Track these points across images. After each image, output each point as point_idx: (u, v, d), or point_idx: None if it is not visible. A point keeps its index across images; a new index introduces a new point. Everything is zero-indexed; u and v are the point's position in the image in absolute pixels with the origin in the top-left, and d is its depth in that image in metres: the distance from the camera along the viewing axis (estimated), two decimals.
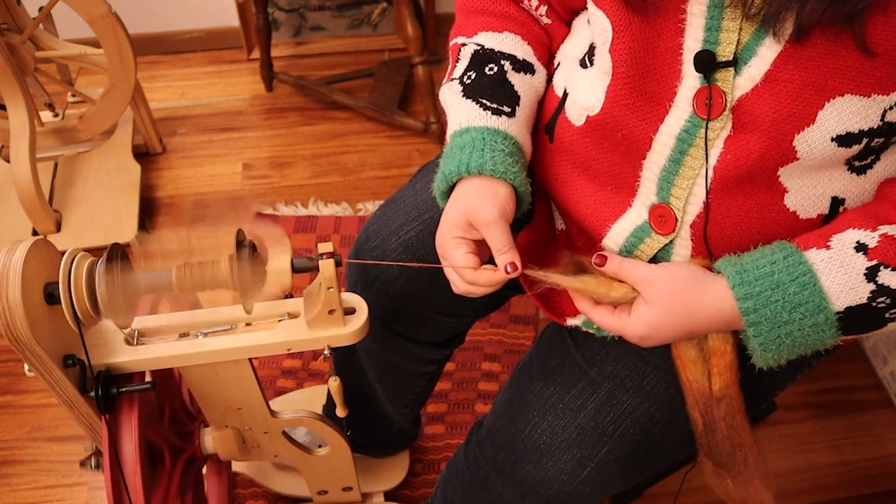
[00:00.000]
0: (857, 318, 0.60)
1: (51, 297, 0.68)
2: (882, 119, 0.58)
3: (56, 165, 1.80)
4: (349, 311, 0.80)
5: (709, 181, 0.64)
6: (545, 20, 0.78)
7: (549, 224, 0.84)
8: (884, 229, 0.60)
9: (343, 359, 1.04)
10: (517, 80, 0.74)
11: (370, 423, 1.14)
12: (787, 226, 0.65)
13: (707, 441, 0.71)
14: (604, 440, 0.76)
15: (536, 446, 0.77)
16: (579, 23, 0.77)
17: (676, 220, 0.67)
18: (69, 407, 0.74)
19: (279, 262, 0.71)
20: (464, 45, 0.77)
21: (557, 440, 0.76)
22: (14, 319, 0.64)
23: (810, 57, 0.56)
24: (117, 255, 0.70)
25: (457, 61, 0.77)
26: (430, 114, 1.88)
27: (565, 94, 0.74)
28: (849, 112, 0.57)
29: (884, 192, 0.63)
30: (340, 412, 0.90)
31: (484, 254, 0.69)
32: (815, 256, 0.60)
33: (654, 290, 0.65)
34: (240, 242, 0.71)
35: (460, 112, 0.73)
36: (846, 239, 0.61)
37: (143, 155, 1.89)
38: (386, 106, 1.95)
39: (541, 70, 0.77)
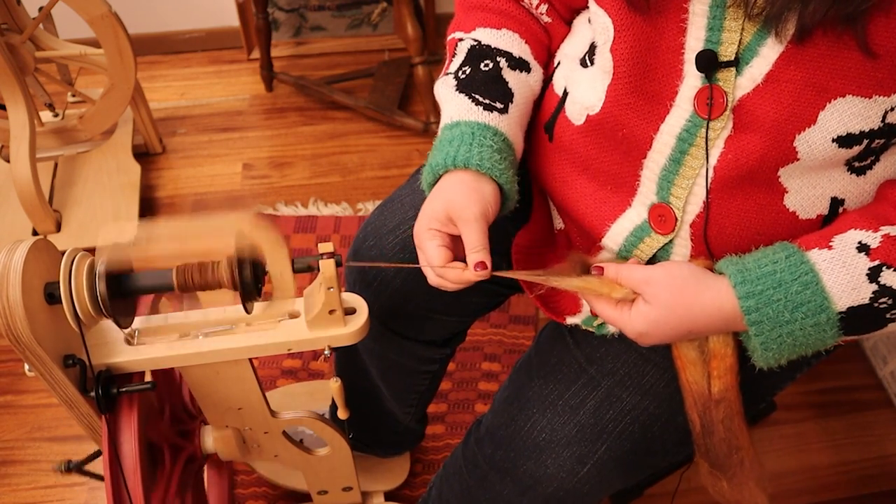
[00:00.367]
0: (859, 319, 0.60)
1: (51, 297, 0.68)
2: (883, 120, 0.58)
3: (56, 165, 1.80)
4: (349, 311, 0.80)
5: (709, 181, 0.64)
6: (545, 19, 0.78)
7: (548, 223, 0.84)
8: (886, 230, 0.60)
9: (346, 358, 1.04)
10: (512, 77, 0.74)
11: (376, 422, 1.14)
12: (787, 226, 0.65)
13: (704, 442, 0.71)
14: (603, 438, 0.76)
15: (536, 443, 0.77)
16: (580, 22, 0.77)
17: (676, 219, 0.67)
18: (69, 407, 0.74)
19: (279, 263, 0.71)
20: (461, 39, 0.77)
21: (557, 437, 0.76)
22: (14, 319, 0.64)
23: (812, 57, 0.56)
24: (117, 255, 0.70)
25: (453, 56, 0.77)
26: (430, 114, 1.88)
27: (565, 94, 0.74)
28: (850, 113, 0.57)
29: (884, 193, 0.64)
30: (342, 414, 0.90)
31: (459, 249, 0.69)
32: (817, 256, 0.60)
33: (652, 289, 0.65)
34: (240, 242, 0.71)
35: (452, 106, 0.73)
36: (848, 239, 0.61)
37: (143, 155, 1.89)
38: (386, 106, 1.95)
39: (537, 68, 0.77)
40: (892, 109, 0.57)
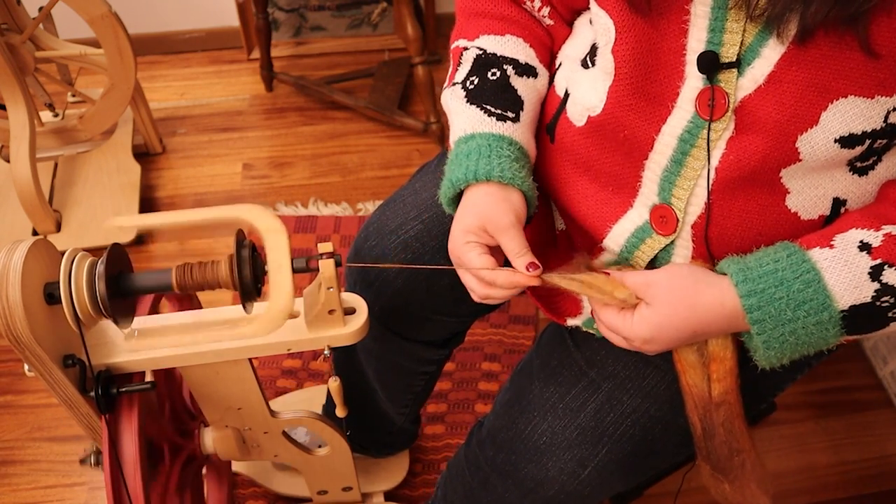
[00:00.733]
0: (861, 318, 0.60)
1: (51, 297, 0.68)
2: (885, 121, 0.58)
3: (56, 165, 1.80)
4: (349, 311, 0.80)
5: (710, 182, 0.64)
6: (547, 21, 0.78)
7: (548, 224, 0.84)
8: (887, 229, 0.60)
9: (343, 358, 1.04)
10: (520, 84, 0.74)
11: (370, 423, 1.14)
12: (789, 227, 0.65)
13: (705, 445, 0.71)
14: (604, 440, 0.75)
15: (537, 447, 0.77)
16: (581, 23, 0.77)
17: (678, 220, 0.67)
18: (69, 407, 0.74)
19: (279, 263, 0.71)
20: (465, 48, 0.77)
21: (557, 440, 0.76)
22: (14, 319, 0.64)
23: (814, 58, 0.56)
24: (117, 255, 0.70)
25: (458, 65, 0.77)
26: (430, 114, 1.88)
27: (566, 95, 0.74)
28: (852, 113, 0.57)
29: (886, 193, 0.63)
30: (340, 412, 0.90)
31: (497, 261, 0.69)
32: (818, 255, 0.60)
33: (654, 290, 0.65)
34: (240, 242, 0.71)
35: (464, 118, 0.73)
36: (849, 238, 0.61)
37: (143, 155, 1.89)
38: (386, 106, 1.95)
39: (543, 72, 0.77)
40: (894, 109, 0.57)
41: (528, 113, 0.74)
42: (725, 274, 0.64)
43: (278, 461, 1.03)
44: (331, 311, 0.76)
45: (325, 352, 0.80)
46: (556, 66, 0.78)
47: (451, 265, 0.72)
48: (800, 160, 0.61)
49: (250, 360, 0.83)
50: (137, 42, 1.70)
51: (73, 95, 1.90)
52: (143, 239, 1.69)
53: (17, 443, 1.36)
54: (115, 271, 0.69)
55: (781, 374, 0.78)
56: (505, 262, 0.70)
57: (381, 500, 1.23)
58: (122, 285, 0.70)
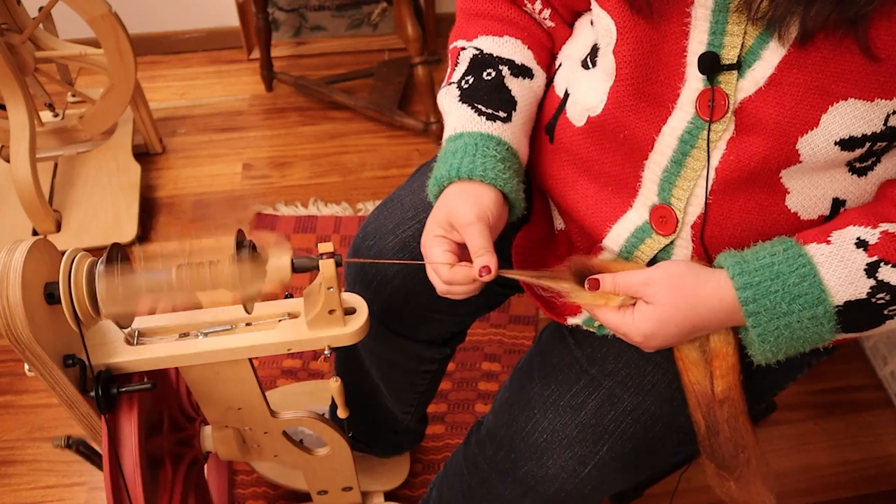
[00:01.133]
0: (856, 314, 0.60)
1: (51, 296, 0.68)
2: (885, 123, 0.58)
3: (56, 165, 1.80)
4: (349, 311, 0.80)
5: (710, 182, 0.64)
6: (548, 23, 0.78)
7: (548, 224, 0.84)
8: (884, 227, 0.60)
9: (346, 358, 1.04)
10: (515, 84, 0.74)
11: (376, 422, 1.14)
12: (789, 226, 0.65)
13: (710, 443, 0.71)
14: (604, 438, 0.76)
15: (537, 444, 0.77)
16: (582, 24, 0.77)
17: (677, 220, 0.67)
18: (69, 407, 0.74)
19: (279, 259, 0.71)
20: (463, 48, 0.77)
21: (558, 438, 0.76)
22: (14, 319, 0.64)
23: (814, 61, 0.56)
24: (117, 255, 0.70)
25: (455, 65, 0.77)
26: (430, 114, 1.88)
27: (566, 95, 0.74)
28: (852, 116, 0.57)
29: (884, 192, 0.64)
30: (341, 413, 0.90)
31: (467, 258, 0.69)
32: (815, 250, 0.61)
33: (652, 289, 0.65)
34: (240, 242, 0.71)
35: (455, 117, 0.73)
36: (846, 235, 0.61)
37: (143, 155, 1.89)
38: (386, 106, 1.95)
39: (540, 74, 0.77)
40: (894, 112, 0.57)
41: (522, 114, 0.74)
42: (722, 267, 0.64)
43: (278, 461, 1.03)
44: (331, 311, 0.76)
45: (326, 352, 0.80)
46: (557, 66, 0.78)
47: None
48: (800, 161, 0.61)
49: (250, 360, 0.83)
50: (137, 42, 1.70)
51: (73, 95, 1.90)
52: (143, 239, 1.69)
53: (17, 443, 1.36)
54: (115, 271, 0.69)
55: (781, 374, 0.78)
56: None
57: (381, 500, 1.23)
58: (122, 285, 0.70)
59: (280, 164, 1.90)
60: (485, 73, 0.74)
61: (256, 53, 2.17)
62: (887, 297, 0.59)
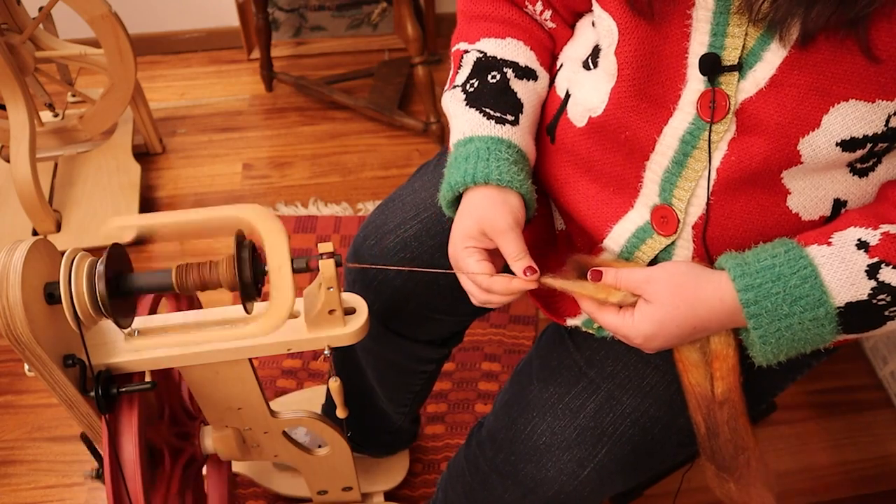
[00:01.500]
0: (857, 315, 0.60)
1: (51, 297, 0.68)
2: (886, 125, 0.58)
3: (56, 165, 1.80)
4: (349, 311, 0.80)
5: (711, 183, 0.64)
6: (549, 24, 0.78)
7: (548, 224, 0.84)
8: (885, 228, 0.60)
9: (342, 358, 1.04)
10: (520, 87, 0.74)
11: (369, 422, 1.14)
12: (790, 227, 0.65)
13: (710, 445, 0.71)
14: (603, 440, 0.76)
15: (536, 447, 0.77)
16: (583, 25, 0.77)
17: (679, 221, 0.67)
18: (69, 407, 0.74)
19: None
20: (466, 51, 0.77)
21: (557, 440, 0.76)
22: (14, 319, 0.64)
23: (815, 62, 0.56)
24: (117, 255, 0.70)
25: (459, 68, 0.77)
26: (430, 114, 1.88)
27: (567, 96, 0.74)
28: (853, 117, 0.57)
29: (885, 193, 0.64)
30: (341, 413, 0.90)
31: (496, 264, 0.69)
32: (816, 252, 0.61)
33: (653, 287, 0.65)
34: (240, 242, 0.71)
35: (464, 121, 0.73)
36: (847, 236, 0.61)
37: (143, 155, 1.89)
38: (386, 106, 1.95)
39: (543, 75, 0.77)
40: (894, 113, 0.57)
41: (528, 116, 0.74)
42: (724, 269, 0.64)
43: (278, 461, 1.03)
44: (331, 311, 0.76)
45: (326, 352, 0.80)
46: (558, 67, 0.78)
47: (450, 265, 0.72)
48: (801, 162, 0.61)
49: (250, 360, 0.83)
50: (137, 42, 1.70)
51: (73, 95, 1.90)
52: (143, 239, 1.69)
53: (17, 443, 1.36)
54: (115, 271, 0.69)
55: (781, 374, 0.78)
56: (505, 265, 0.70)
57: (381, 500, 1.23)
58: (122, 285, 0.70)
59: (280, 164, 1.90)
60: (489, 77, 0.74)
61: (256, 53, 2.17)
62: (888, 299, 0.59)
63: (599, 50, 0.69)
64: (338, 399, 0.89)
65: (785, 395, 0.88)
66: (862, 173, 0.63)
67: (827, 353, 0.74)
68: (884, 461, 1.36)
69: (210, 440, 0.96)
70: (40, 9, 1.58)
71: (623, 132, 0.68)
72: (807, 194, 0.64)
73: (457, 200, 0.72)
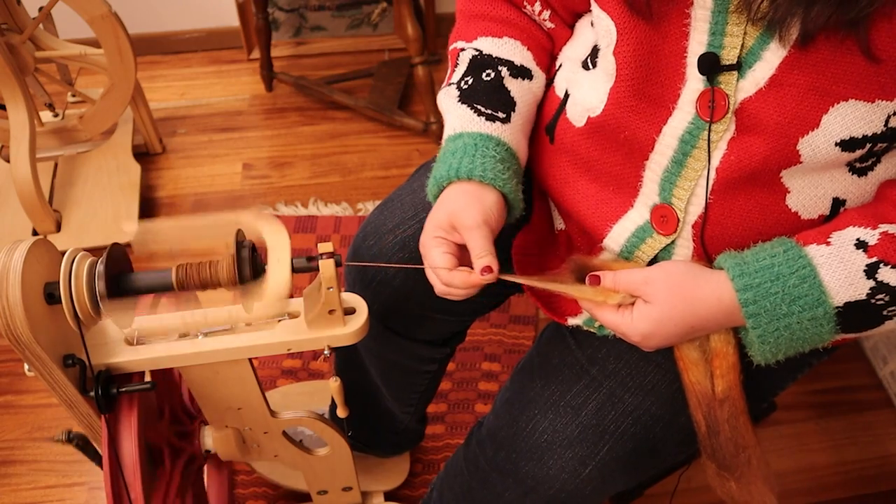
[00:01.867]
0: (856, 315, 0.60)
1: (51, 297, 0.68)
2: (886, 125, 0.58)
3: (56, 165, 1.80)
4: (349, 311, 0.80)
5: (711, 182, 0.64)
6: (548, 25, 0.78)
7: (548, 224, 0.84)
8: (884, 228, 0.60)
9: (346, 358, 1.04)
10: (514, 85, 0.74)
11: (376, 422, 1.14)
12: (789, 226, 0.65)
13: (710, 443, 0.71)
14: (605, 438, 0.76)
15: (537, 445, 0.77)
16: (582, 25, 0.77)
17: (678, 220, 0.67)
18: (69, 407, 0.74)
19: (278, 272, 0.71)
20: (462, 49, 0.77)
21: (558, 438, 0.76)
22: (14, 319, 0.64)
23: (815, 62, 0.56)
24: (117, 255, 0.70)
25: (455, 66, 0.77)
26: (430, 114, 1.88)
27: (566, 96, 0.74)
28: (853, 117, 0.57)
29: (884, 192, 0.64)
30: (341, 412, 0.90)
31: (466, 258, 0.69)
32: (815, 251, 0.61)
33: (652, 287, 0.65)
34: (240, 242, 0.71)
35: (454, 117, 0.73)
36: (846, 236, 0.61)
37: (143, 155, 1.89)
38: (386, 106, 1.95)
39: (539, 75, 0.77)
40: (894, 113, 0.57)
41: (521, 115, 0.74)
42: (722, 269, 0.64)
43: (278, 461, 1.03)
44: (331, 311, 0.76)
45: (326, 352, 0.80)
46: (557, 67, 0.79)
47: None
48: (800, 162, 0.61)
49: (250, 360, 0.83)
50: (137, 42, 1.70)
51: (73, 95, 1.90)
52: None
53: (17, 443, 1.36)
54: (115, 271, 0.69)
55: (781, 374, 0.78)
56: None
57: (381, 500, 1.23)
58: (122, 285, 0.70)
59: (280, 164, 1.90)
60: (484, 74, 0.74)
61: (256, 53, 2.17)
62: (887, 298, 0.59)
63: (598, 50, 0.69)
64: (338, 398, 0.89)
65: (785, 394, 0.88)
66: (861, 173, 0.63)
67: (827, 352, 0.74)
68: (884, 461, 1.36)
69: (210, 440, 0.96)
70: (40, 9, 1.58)
71: (622, 132, 0.68)
72: (806, 193, 0.64)
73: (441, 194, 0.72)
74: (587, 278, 0.69)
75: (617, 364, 0.77)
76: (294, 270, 0.72)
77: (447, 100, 0.75)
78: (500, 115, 0.72)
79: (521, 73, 0.75)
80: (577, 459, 0.76)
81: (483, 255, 0.67)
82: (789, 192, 0.64)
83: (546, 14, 0.77)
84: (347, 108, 2.02)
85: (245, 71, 2.17)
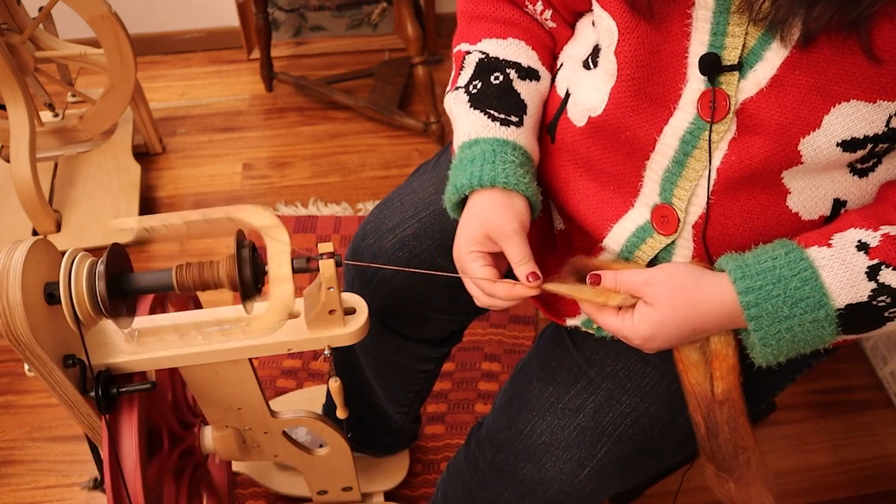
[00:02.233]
0: (857, 316, 0.60)
1: (51, 297, 0.68)
2: (887, 125, 0.58)
3: (56, 165, 1.80)
4: (349, 311, 0.80)
5: (712, 182, 0.64)
6: (550, 24, 0.78)
7: (547, 224, 0.84)
8: (885, 229, 0.60)
9: (342, 357, 1.04)
10: (523, 87, 0.74)
11: (370, 422, 1.14)
12: (790, 227, 0.65)
13: (709, 444, 0.71)
14: (603, 440, 0.75)
15: (536, 446, 0.77)
16: (583, 24, 0.77)
17: (679, 220, 0.67)
18: (69, 407, 0.74)
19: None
20: (468, 52, 0.77)
21: (557, 440, 0.76)
22: (14, 319, 0.64)
23: (817, 62, 0.56)
24: (117, 255, 0.70)
25: (461, 69, 0.77)
26: (430, 114, 1.88)
27: (567, 95, 0.74)
28: (854, 117, 0.57)
29: (885, 194, 0.64)
30: (341, 413, 0.90)
31: (501, 266, 0.69)
32: (816, 253, 0.61)
33: (653, 290, 0.65)
34: (240, 242, 0.71)
35: (468, 123, 0.73)
36: (848, 238, 0.61)
37: (143, 155, 1.89)
38: (386, 106, 1.95)
39: (545, 75, 0.77)
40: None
41: (532, 117, 0.74)
42: (724, 271, 0.64)
43: (278, 461, 1.03)
44: (331, 311, 0.76)
45: (326, 352, 0.80)
46: (558, 66, 0.78)
47: (450, 265, 0.72)
48: (801, 162, 0.61)
49: (250, 360, 0.83)
50: (137, 42, 1.70)
51: (73, 95, 1.90)
52: (143, 239, 1.69)
53: (17, 443, 1.36)
54: (115, 271, 0.69)
55: (781, 374, 0.78)
56: (508, 268, 0.70)
57: (381, 500, 1.23)
58: (122, 285, 0.70)
59: (280, 164, 1.90)
60: (492, 78, 0.74)
61: (256, 53, 2.17)
62: (888, 300, 0.59)
63: (599, 49, 0.69)
64: (338, 399, 0.89)
65: (785, 395, 0.88)
66: (862, 173, 0.63)
67: (827, 352, 0.74)
68: (884, 461, 1.36)
69: (210, 440, 0.96)
70: (40, 9, 1.58)
71: (623, 132, 0.68)
72: (807, 194, 0.64)
73: (462, 202, 0.72)
74: (588, 276, 0.69)
75: (615, 366, 0.77)
76: (294, 271, 0.72)
77: (458, 105, 0.75)
78: (514, 118, 0.72)
79: (529, 74, 0.75)
80: (576, 461, 0.76)
81: (525, 261, 0.67)
82: (790, 193, 0.64)
83: (548, 14, 0.77)
84: (347, 108, 2.02)
85: (245, 71, 2.17)
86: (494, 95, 0.73)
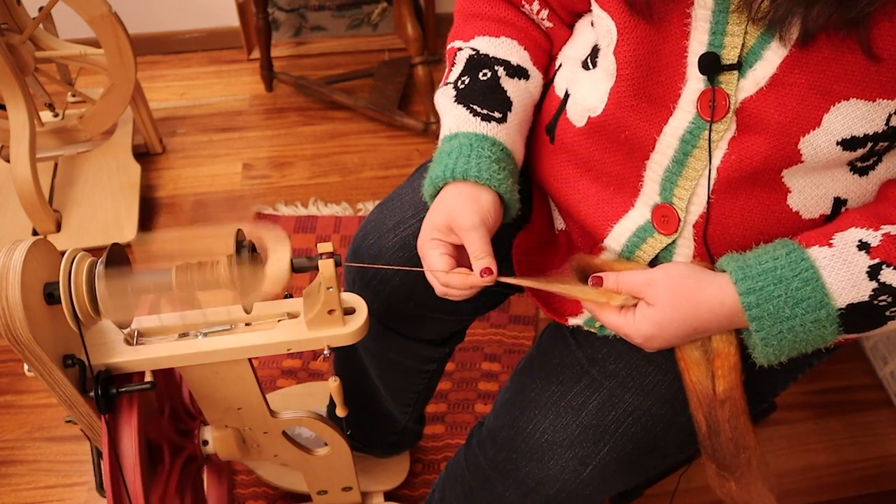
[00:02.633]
0: (859, 316, 0.60)
1: (51, 297, 0.68)
2: (887, 124, 0.58)
3: (56, 165, 1.80)
4: (349, 311, 0.80)
5: (712, 182, 0.64)
6: (546, 24, 0.78)
7: (548, 224, 0.84)
8: (886, 229, 0.60)
9: (345, 357, 1.04)
10: (510, 85, 0.74)
11: (373, 422, 1.14)
12: (790, 225, 0.65)
13: (711, 443, 0.71)
14: (605, 439, 0.75)
15: (538, 445, 0.77)
16: (582, 25, 0.77)
17: (679, 220, 0.67)
18: (69, 407, 0.74)
19: (279, 259, 0.71)
20: (460, 49, 0.77)
21: (559, 439, 0.76)
22: (14, 319, 0.64)
23: (816, 61, 0.56)
24: (117, 255, 0.70)
25: (452, 66, 0.77)
26: (430, 114, 1.88)
27: (566, 96, 0.74)
28: (854, 116, 0.57)
29: (886, 193, 0.64)
30: (340, 412, 0.90)
31: (463, 259, 0.70)
32: (817, 253, 0.61)
33: (654, 290, 0.65)
34: (239, 242, 0.71)
35: (450, 117, 0.73)
36: (848, 237, 0.61)
37: (143, 155, 1.89)
38: (386, 106, 1.95)
39: (536, 75, 0.77)
40: (895, 112, 0.57)
41: (517, 114, 0.74)
42: (724, 271, 0.64)
43: (278, 461, 1.03)
44: (331, 311, 0.76)
45: (325, 351, 0.80)
46: (557, 67, 0.79)
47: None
48: (801, 161, 0.61)
49: (250, 360, 0.83)
50: (137, 42, 1.70)
51: (73, 95, 1.90)
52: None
53: (17, 443, 1.36)
54: (115, 271, 0.69)
55: (781, 374, 0.78)
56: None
57: (381, 500, 1.23)
58: (122, 285, 0.70)
59: (280, 164, 1.90)
60: (480, 74, 0.74)
61: (256, 53, 2.17)
62: (889, 299, 0.59)
63: (598, 50, 0.69)
64: (337, 398, 0.89)
65: (785, 395, 0.88)
66: (862, 172, 0.63)
67: (828, 352, 0.74)
68: (884, 461, 1.36)
69: (210, 440, 0.96)
70: (40, 9, 1.58)
71: (623, 132, 0.68)
72: (807, 193, 0.64)
73: (437, 195, 0.73)
74: (590, 279, 0.69)
75: (617, 364, 0.77)
76: (294, 270, 0.72)
77: (444, 100, 0.75)
78: (496, 115, 0.72)
79: (518, 72, 0.75)
80: (578, 460, 0.76)
81: (482, 256, 0.67)
82: (790, 192, 0.64)
83: (544, 13, 0.77)
84: (347, 108, 2.02)
85: (245, 71, 2.17)
86: (480, 91, 0.73)
